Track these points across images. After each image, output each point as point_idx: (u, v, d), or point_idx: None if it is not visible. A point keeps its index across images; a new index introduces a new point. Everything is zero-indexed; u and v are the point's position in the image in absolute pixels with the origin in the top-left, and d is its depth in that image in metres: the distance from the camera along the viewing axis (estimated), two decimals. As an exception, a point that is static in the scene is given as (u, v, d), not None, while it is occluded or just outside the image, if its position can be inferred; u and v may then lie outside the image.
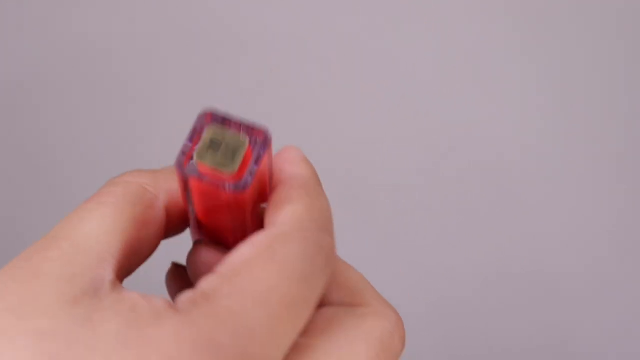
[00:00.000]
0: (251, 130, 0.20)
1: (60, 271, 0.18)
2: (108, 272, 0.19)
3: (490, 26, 0.60)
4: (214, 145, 0.20)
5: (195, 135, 0.20)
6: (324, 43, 0.60)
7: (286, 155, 0.23)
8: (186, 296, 0.18)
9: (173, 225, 0.23)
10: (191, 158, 0.20)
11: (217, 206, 0.21)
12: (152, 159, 0.58)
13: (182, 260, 0.26)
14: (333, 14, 0.60)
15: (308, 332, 0.20)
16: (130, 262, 0.21)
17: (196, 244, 0.24)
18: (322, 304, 0.22)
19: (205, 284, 0.19)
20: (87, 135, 0.60)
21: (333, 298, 0.22)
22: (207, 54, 0.60)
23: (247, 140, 0.20)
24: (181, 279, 0.25)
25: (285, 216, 0.20)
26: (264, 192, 0.22)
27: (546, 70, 0.60)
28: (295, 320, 0.19)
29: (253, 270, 0.19)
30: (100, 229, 0.20)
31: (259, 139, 0.20)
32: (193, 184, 0.21)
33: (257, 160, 0.20)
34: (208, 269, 0.22)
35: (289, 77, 0.60)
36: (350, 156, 0.59)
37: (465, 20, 0.60)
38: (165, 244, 0.24)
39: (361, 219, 0.59)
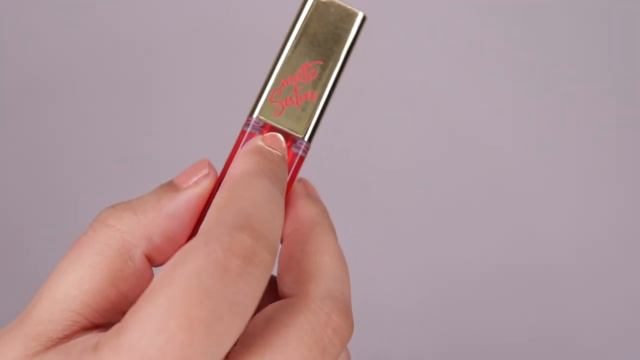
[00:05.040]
0: None
1: (31, 330, 0.20)
2: (68, 331, 0.20)
3: (491, 26, 0.60)
4: None
5: None
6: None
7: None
8: (109, 331, 0.19)
9: (158, 264, 0.23)
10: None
11: None
12: (161, 158, 0.58)
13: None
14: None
15: (244, 337, 0.20)
16: (111, 314, 0.21)
17: None
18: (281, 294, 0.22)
19: (124, 318, 0.19)
20: (99, 134, 0.60)
21: (285, 288, 0.22)
22: (224, 53, 0.60)
23: None
24: None
25: (201, 224, 0.20)
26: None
27: (547, 70, 0.59)
28: (209, 338, 0.17)
29: (153, 297, 0.18)
30: (77, 289, 0.20)
31: None
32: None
33: None
34: None
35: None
36: (351, 154, 0.59)
37: (465, 21, 0.59)
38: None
39: (360, 215, 0.58)
